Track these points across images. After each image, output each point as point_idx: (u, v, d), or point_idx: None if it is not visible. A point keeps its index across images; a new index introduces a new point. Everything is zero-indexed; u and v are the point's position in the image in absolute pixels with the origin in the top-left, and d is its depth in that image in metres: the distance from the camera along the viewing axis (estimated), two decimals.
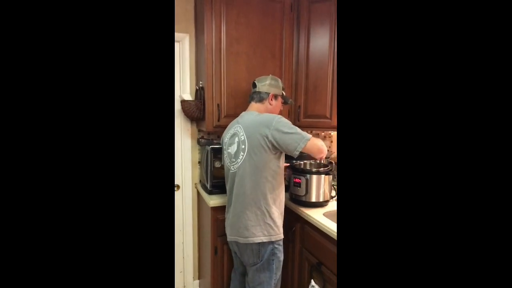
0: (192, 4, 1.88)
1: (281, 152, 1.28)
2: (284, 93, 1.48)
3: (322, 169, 1.55)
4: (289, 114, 1.87)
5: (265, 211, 1.27)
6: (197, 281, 2.13)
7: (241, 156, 1.29)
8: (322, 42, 1.69)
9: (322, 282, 1.31)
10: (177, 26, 1.85)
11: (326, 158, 1.79)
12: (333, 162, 2.02)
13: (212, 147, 1.69)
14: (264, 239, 1.27)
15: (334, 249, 1.24)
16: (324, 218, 1.35)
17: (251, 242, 1.27)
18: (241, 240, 1.28)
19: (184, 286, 2.13)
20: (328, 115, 1.67)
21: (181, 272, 2.11)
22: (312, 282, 1.35)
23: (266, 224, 1.28)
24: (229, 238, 1.34)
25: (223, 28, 1.63)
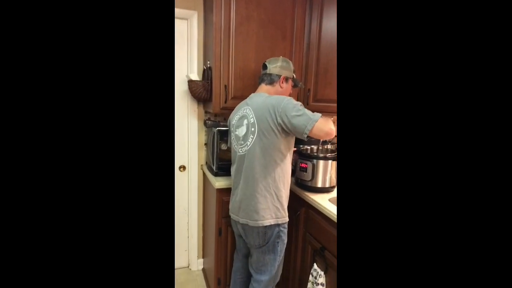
0: None
1: (291, 136, 1.26)
2: (294, 76, 1.44)
3: (329, 154, 1.53)
4: (298, 97, 1.83)
5: (273, 193, 1.27)
6: (201, 260, 2.19)
7: (251, 139, 1.27)
8: (335, 24, 1.62)
9: (324, 266, 1.32)
10: (185, 3, 1.79)
11: (333, 143, 1.76)
12: None
13: (218, 129, 1.68)
14: (272, 221, 1.28)
15: (336, 233, 1.24)
16: (329, 204, 1.34)
17: (260, 225, 1.27)
18: (251, 223, 1.29)
19: (189, 264, 2.19)
20: None
21: (185, 250, 2.16)
22: (315, 266, 1.36)
23: (274, 207, 1.28)
24: (241, 220, 1.34)
25: (233, 6, 1.57)
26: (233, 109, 1.46)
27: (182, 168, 2.02)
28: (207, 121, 1.87)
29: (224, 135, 1.68)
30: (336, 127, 1.26)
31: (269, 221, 1.27)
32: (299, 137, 1.21)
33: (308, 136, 1.18)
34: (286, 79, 1.38)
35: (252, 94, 1.38)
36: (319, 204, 1.36)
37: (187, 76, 1.83)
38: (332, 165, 1.50)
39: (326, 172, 1.50)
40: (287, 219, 1.34)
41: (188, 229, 2.12)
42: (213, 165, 1.75)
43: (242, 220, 1.33)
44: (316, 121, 1.15)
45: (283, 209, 1.31)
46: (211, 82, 1.68)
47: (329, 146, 1.72)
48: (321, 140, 1.41)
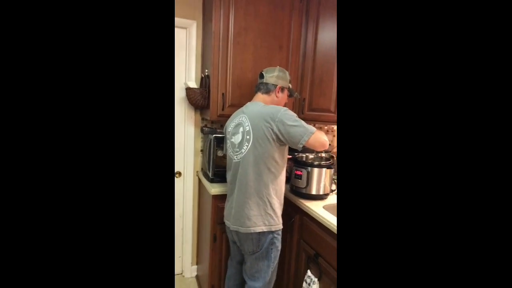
0: None
1: (285, 144, 1.29)
2: (290, 86, 1.48)
3: (323, 162, 1.56)
4: (293, 106, 1.87)
5: (266, 201, 1.29)
6: (195, 266, 2.18)
7: (246, 147, 1.29)
8: (330, 35, 1.67)
9: (318, 273, 1.33)
10: (184, 12, 1.83)
11: (327, 152, 1.80)
12: (335, 156, 2.03)
13: (215, 136, 1.70)
14: (264, 228, 1.29)
15: (332, 241, 1.26)
16: (324, 211, 1.37)
17: (252, 231, 1.29)
18: (242, 229, 1.30)
19: (182, 271, 2.18)
20: (332, 109, 1.67)
21: (179, 257, 2.15)
22: (309, 273, 1.38)
23: (267, 214, 1.30)
24: (231, 227, 1.36)
25: (231, 17, 1.62)
26: (230, 117, 1.49)
27: (178, 174, 2.03)
28: (204, 128, 1.89)
29: (221, 142, 1.70)
30: (327, 136, 1.31)
31: (261, 228, 1.29)
32: (293, 147, 1.25)
33: (303, 147, 1.22)
34: (282, 89, 1.42)
35: (248, 103, 1.41)
36: (313, 211, 1.38)
37: (185, 83, 1.86)
38: (326, 173, 1.53)
39: (321, 179, 1.53)
40: (281, 227, 1.35)
41: (182, 236, 2.12)
42: (209, 172, 1.77)
43: (233, 227, 1.35)
44: (313, 132, 1.21)
45: (277, 217, 1.33)
46: (209, 90, 1.71)
47: (323, 154, 1.75)
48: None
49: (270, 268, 1.37)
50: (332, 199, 1.57)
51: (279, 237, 1.36)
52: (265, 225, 1.30)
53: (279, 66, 1.49)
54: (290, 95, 1.50)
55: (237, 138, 1.35)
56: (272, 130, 1.22)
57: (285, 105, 1.42)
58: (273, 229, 1.32)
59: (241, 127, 1.33)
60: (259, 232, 1.29)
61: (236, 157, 1.34)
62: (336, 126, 2.07)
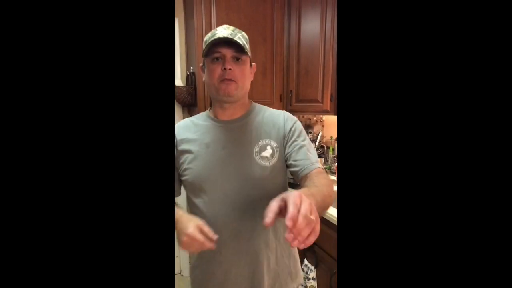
0: None
1: None
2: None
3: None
4: (281, 98, 1.87)
5: None
6: None
7: None
8: (313, 26, 1.68)
9: (315, 261, 1.35)
10: None
11: (319, 142, 1.81)
12: (325, 146, 2.05)
13: None
14: None
15: (326, 229, 1.28)
16: None
17: None
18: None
19: (181, 270, 2.17)
20: (319, 99, 1.68)
21: (177, 256, 2.14)
22: (306, 262, 1.40)
23: None
24: None
25: (213, 12, 1.60)
26: None
27: None
28: None
29: None
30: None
31: None
32: None
33: None
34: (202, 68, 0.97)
35: None
36: None
37: None
38: None
39: None
40: None
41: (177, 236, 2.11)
42: None
43: None
44: None
45: None
46: (195, 87, 1.70)
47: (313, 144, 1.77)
48: None
49: None
50: None
51: None
52: None
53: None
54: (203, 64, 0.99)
55: None
56: None
57: (221, 80, 0.84)
58: None
59: None
60: None
61: None
62: (324, 116, 2.08)
